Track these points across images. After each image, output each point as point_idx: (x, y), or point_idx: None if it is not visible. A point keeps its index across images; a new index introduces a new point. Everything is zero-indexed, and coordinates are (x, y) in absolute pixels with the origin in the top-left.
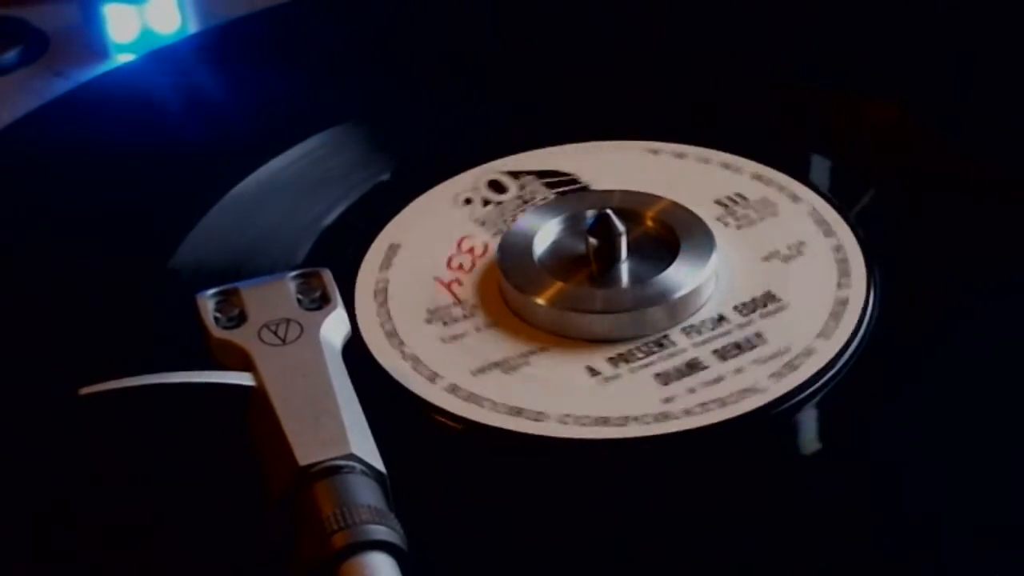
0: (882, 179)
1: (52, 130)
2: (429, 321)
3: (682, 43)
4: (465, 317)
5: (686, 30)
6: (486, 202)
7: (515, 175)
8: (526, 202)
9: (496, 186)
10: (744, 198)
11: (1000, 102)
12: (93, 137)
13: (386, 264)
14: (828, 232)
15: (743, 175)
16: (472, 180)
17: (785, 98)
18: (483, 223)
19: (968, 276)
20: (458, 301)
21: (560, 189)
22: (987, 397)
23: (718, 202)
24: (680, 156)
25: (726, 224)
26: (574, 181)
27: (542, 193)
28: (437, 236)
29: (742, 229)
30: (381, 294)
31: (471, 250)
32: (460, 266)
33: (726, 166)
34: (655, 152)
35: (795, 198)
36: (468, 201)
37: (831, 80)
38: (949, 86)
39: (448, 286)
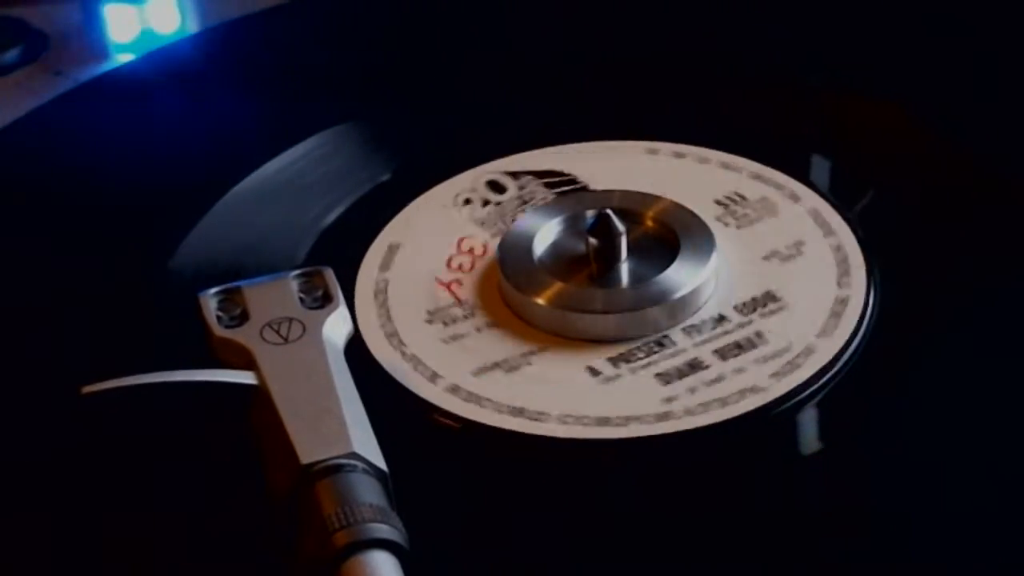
0: (882, 178)
1: (52, 130)
2: (430, 321)
3: (681, 43)
4: (465, 317)
5: (685, 30)
6: (485, 202)
7: (514, 175)
8: (525, 202)
9: (495, 186)
10: (743, 197)
11: (1000, 101)
12: (93, 137)
13: (386, 264)
14: (828, 232)
15: (742, 175)
16: (471, 180)
17: (785, 98)
18: (483, 223)
19: (968, 275)
20: (458, 301)
21: (559, 189)
22: (987, 396)
23: (717, 202)
24: (679, 156)
25: (726, 224)
26: (573, 181)
27: (541, 193)
28: (437, 236)
29: (742, 228)
30: (381, 294)
31: (471, 250)
32: (460, 266)
33: (725, 166)
34: (654, 152)
35: (795, 197)
36: (468, 201)
37: (831, 80)
38: (949, 86)
39: (448, 286)
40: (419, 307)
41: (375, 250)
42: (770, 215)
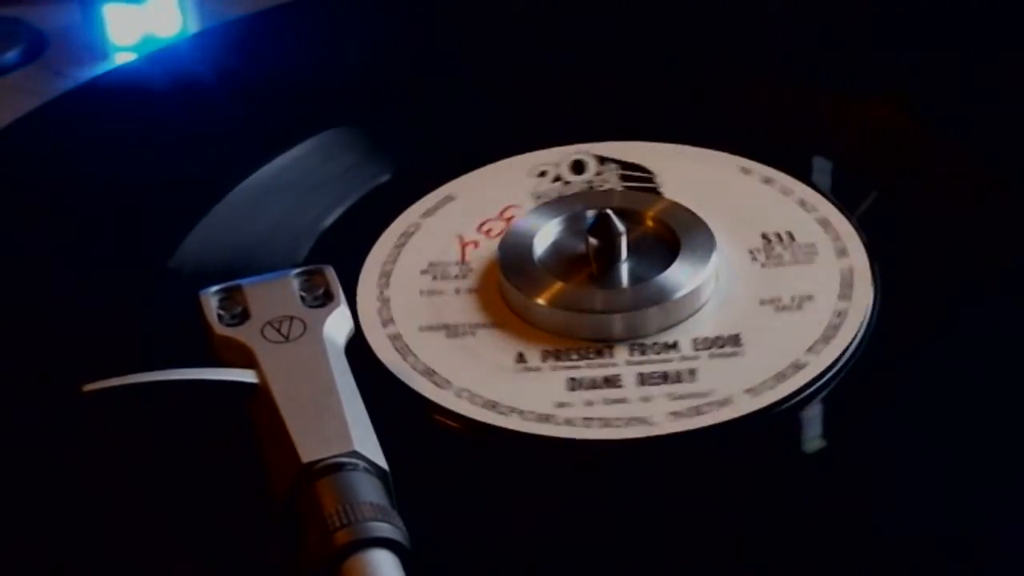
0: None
1: (52, 130)
2: (424, 272)
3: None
4: (455, 277)
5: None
6: (557, 179)
7: (601, 160)
8: (592, 188)
9: (578, 166)
10: (792, 238)
11: (1001, 101)
12: (93, 137)
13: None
14: (844, 295)
15: (811, 215)
16: (558, 156)
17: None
18: (539, 197)
19: (969, 275)
20: (461, 260)
21: (631, 184)
22: (987, 402)
23: (764, 235)
24: (767, 181)
25: (754, 258)
26: (650, 180)
27: (613, 184)
28: (490, 197)
29: (766, 268)
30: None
31: (509, 219)
32: (489, 231)
33: (802, 203)
34: (746, 171)
35: (842, 253)
36: (543, 174)
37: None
38: (949, 84)
39: (463, 244)
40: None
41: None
42: (804, 264)
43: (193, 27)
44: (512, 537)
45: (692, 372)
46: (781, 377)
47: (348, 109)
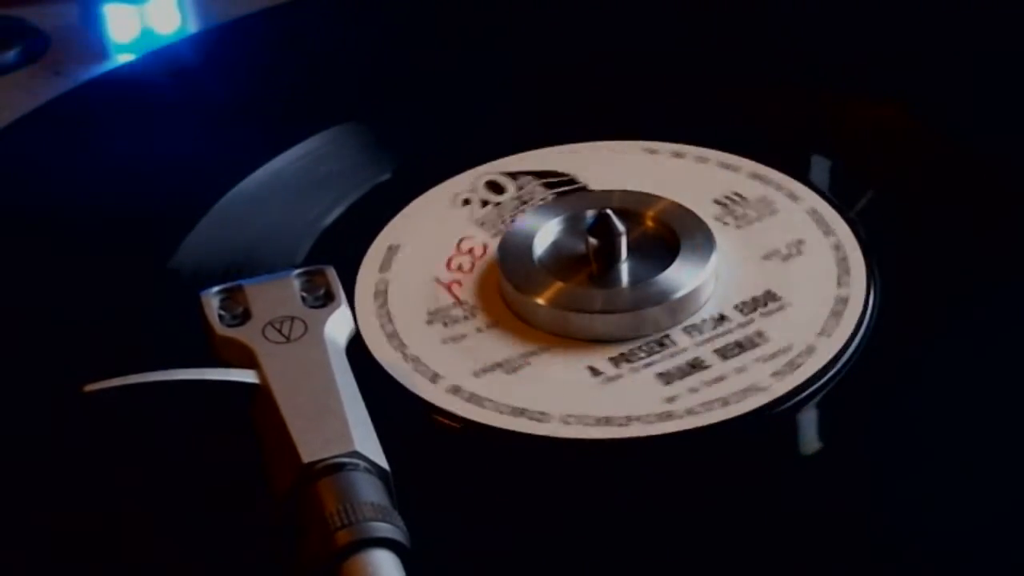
0: (882, 178)
1: (52, 130)
2: (430, 322)
3: (679, 42)
4: (466, 318)
5: (683, 29)
6: (484, 203)
7: (513, 176)
8: (524, 203)
9: (494, 187)
10: (742, 197)
11: (1000, 101)
12: (93, 137)
13: (386, 265)
14: (828, 231)
15: (741, 174)
16: (470, 181)
17: (784, 97)
18: (482, 224)
19: (968, 275)
20: (459, 302)
21: (558, 189)
22: (987, 396)
23: (716, 201)
24: (678, 156)
25: (725, 223)
26: (572, 181)
27: (540, 193)
28: (437, 237)
29: (741, 228)
30: (381, 295)
31: (471, 251)
32: (460, 267)
33: (724, 165)
34: (653, 152)
35: (793, 197)
36: (467, 202)
37: (830, 79)
38: (949, 85)
39: (448, 287)
40: (419, 308)
41: (375, 250)
42: (769, 215)
43: (192, 26)
44: (531, 541)
45: (760, 334)
46: (837, 315)
47: (348, 108)
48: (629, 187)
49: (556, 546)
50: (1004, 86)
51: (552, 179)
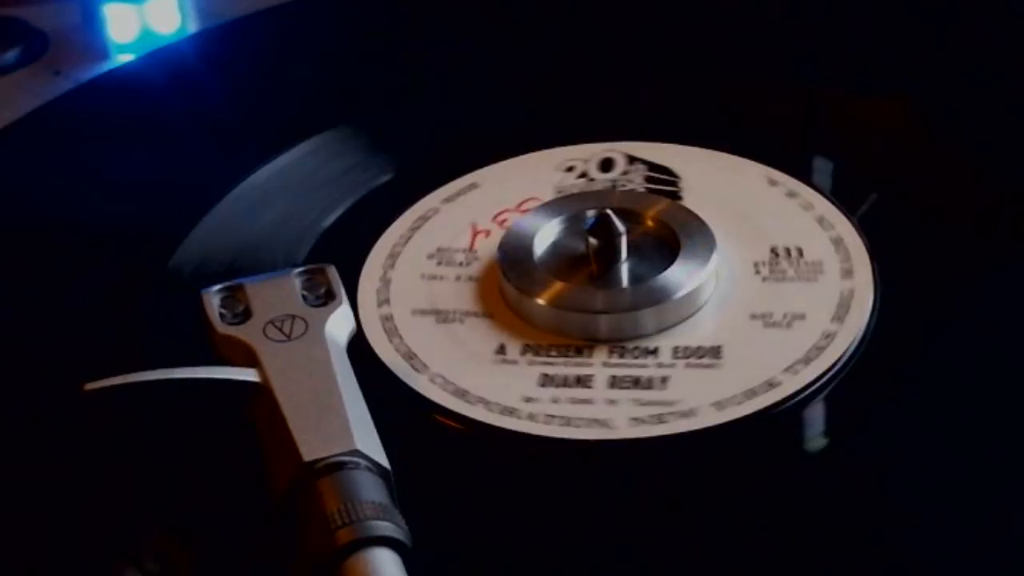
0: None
1: (52, 130)
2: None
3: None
4: (459, 264)
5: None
6: (583, 175)
7: (631, 159)
8: (615, 187)
9: (606, 164)
10: (800, 254)
11: (1003, 101)
12: (93, 137)
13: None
14: (839, 317)
15: (828, 233)
16: (589, 152)
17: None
18: (560, 192)
19: (968, 275)
20: (469, 249)
21: (654, 186)
22: (988, 396)
23: (772, 250)
24: (791, 195)
25: (757, 272)
26: (673, 184)
27: (637, 184)
28: (513, 188)
29: (766, 283)
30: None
31: (527, 211)
32: (504, 221)
33: (821, 220)
34: (773, 183)
35: (847, 274)
36: (570, 169)
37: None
38: (950, 84)
39: (475, 233)
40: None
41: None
42: (806, 281)
43: (192, 26)
44: (532, 539)
45: (664, 380)
46: (751, 394)
47: (348, 109)
48: (721, 209)
49: (557, 545)
50: (1006, 85)
51: (659, 175)
